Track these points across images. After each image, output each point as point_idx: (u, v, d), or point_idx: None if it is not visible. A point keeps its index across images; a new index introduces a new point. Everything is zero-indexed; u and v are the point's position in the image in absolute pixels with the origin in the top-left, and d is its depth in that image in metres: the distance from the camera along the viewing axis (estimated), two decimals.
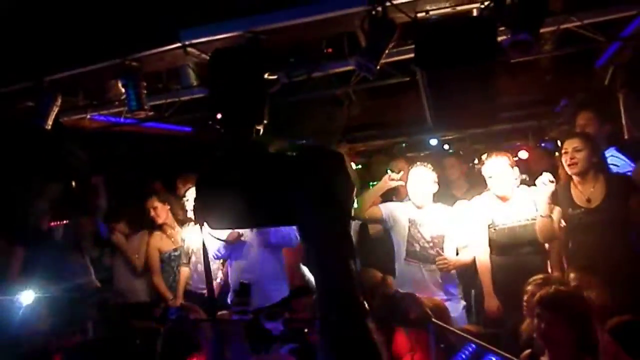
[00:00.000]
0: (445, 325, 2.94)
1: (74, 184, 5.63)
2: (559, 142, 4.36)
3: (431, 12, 2.97)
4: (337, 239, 0.99)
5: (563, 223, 3.61)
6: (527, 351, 2.65)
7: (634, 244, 3.35)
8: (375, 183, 5.12)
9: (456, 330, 2.93)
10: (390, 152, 7.48)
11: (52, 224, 5.27)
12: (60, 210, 5.22)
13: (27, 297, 3.76)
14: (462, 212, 4.10)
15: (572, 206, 3.48)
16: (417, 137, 7.88)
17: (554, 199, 3.53)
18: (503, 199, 3.80)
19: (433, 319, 2.95)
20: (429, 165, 4.07)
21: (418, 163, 4.14)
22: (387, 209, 4.10)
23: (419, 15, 3.00)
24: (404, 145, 7.87)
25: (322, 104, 4.74)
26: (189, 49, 3.44)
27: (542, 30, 3.40)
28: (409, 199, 4.13)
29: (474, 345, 2.78)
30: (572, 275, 3.07)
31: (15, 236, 4.48)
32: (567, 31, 3.40)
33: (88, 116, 5.05)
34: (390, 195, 4.66)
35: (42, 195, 5.03)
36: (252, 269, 4.24)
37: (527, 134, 7.15)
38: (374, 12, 2.95)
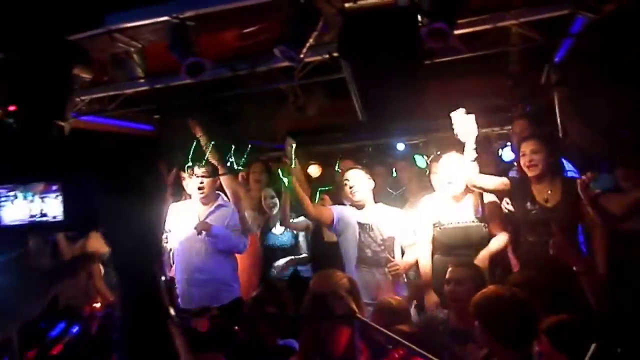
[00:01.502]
0: (370, 322, 2.87)
1: None
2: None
3: (359, 3, 2.89)
4: (140, 237, 0.95)
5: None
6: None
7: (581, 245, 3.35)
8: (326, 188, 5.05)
9: (383, 330, 2.81)
10: (355, 157, 7.36)
11: None
12: None
13: None
14: (409, 211, 4.09)
15: (530, 201, 3.45)
16: (384, 141, 7.77)
17: (510, 193, 3.52)
18: (455, 199, 3.74)
19: (357, 315, 2.87)
20: (359, 166, 4.15)
21: (351, 167, 4.16)
22: (338, 211, 4.02)
23: (347, 5, 2.91)
24: (370, 149, 7.76)
25: (266, 99, 4.64)
26: (115, 35, 3.32)
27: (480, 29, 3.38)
28: (349, 203, 4.09)
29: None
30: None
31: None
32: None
33: None
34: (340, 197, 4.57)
35: None
36: (204, 269, 4.17)
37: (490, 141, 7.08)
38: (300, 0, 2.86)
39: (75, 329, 3.73)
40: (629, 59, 2.83)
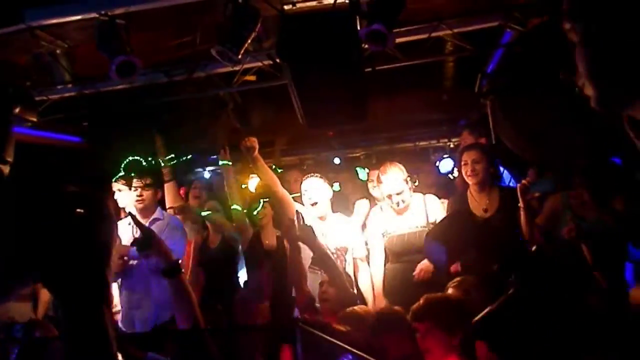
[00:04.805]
0: (314, 331, 2.78)
1: None
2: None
3: (298, 5, 2.86)
4: (88, 285, 0.89)
5: None
6: None
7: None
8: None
9: (328, 338, 2.72)
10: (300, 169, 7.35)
11: None
12: None
13: None
14: (360, 224, 4.05)
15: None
16: (324, 155, 7.85)
17: (449, 209, 3.59)
18: (398, 212, 3.77)
19: (300, 324, 2.79)
20: (318, 175, 3.95)
21: (309, 174, 4.01)
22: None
23: (286, 7, 2.88)
24: (309, 163, 7.79)
25: (204, 107, 4.51)
26: (38, 32, 3.07)
27: (415, 38, 3.48)
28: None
29: (350, 356, 2.60)
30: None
31: None
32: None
33: None
34: None
35: None
36: (142, 292, 3.84)
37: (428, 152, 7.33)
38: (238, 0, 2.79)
39: None
40: (553, 69, 2.99)
